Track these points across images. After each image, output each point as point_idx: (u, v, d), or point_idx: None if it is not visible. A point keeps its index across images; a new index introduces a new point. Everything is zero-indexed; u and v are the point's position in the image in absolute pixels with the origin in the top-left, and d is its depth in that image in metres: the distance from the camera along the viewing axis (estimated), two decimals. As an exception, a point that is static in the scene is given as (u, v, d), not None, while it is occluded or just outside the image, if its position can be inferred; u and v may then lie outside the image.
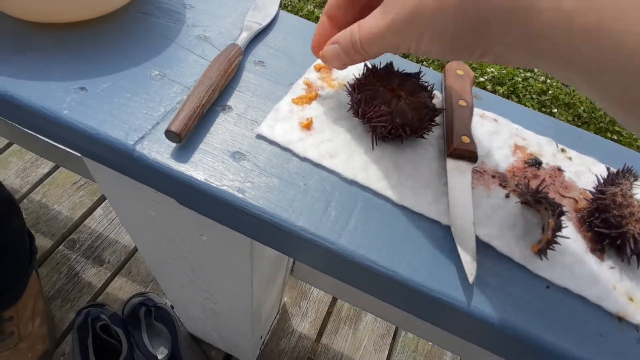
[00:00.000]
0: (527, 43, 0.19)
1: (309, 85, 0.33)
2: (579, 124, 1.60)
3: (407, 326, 0.91)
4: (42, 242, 1.04)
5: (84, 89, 0.30)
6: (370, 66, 0.32)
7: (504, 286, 0.26)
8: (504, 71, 1.72)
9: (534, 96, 1.64)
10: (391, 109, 0.28)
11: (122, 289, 1.01)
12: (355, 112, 0.30)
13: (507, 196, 0.30)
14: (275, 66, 0.35)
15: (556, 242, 0.26)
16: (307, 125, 0.30)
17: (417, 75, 0.32)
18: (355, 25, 0.26)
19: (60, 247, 1.05)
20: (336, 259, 0.26)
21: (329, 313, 1.04)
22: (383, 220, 0.27)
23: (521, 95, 1.66)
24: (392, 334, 1.03)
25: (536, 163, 0.33)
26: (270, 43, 0.37)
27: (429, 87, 0.32)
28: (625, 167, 0.30)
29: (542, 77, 1.70)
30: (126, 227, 0.48)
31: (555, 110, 1.61)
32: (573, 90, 1.64)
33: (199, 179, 0.27)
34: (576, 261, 0.27)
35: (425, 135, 0.30)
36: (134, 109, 0.30)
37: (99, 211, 1.11)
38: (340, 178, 0.28)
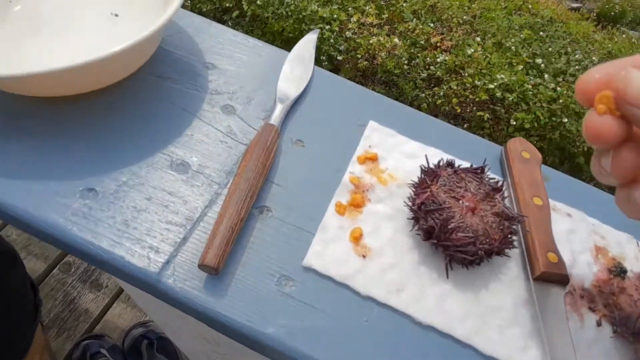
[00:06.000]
0: None
1: (356, 184, 0.28)
2: (589, 134, 1.57)
3: None
4: (35, 266, 0.98)
5: (93, 190, 0.25)
6: (426, 167, 0.27)
7: None
8: (514, 77, 1.66)
9: (544, 104, 1.60)
10: (473, 234, 0.23)
11: (122, 317, 0.96)
12: (426, 237, 0.25)
13: (598, 324, 0.25)
14: (316, 145, 0.30)
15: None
16: (357, 239, 0.25)
17: (482, 170, 0.27)
18: None
19: (54, 270, 0.99)
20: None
21: None
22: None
23: (531, 103, 1.62)
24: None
25: (621, 272, 0.28)
26: (307, 113, 0.32)
27: (498, 184, 0.27)
28: None
29: (552, 85, 1.66)
30: (152, 317, 0.43)
31: (565, 120, 1.57)
32: (583, 99, 1.60)
33: (239, 321, 0.22)
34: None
35: (507, 253, 0.25)
36: (154, 219, 0.25)
37: (95, 231, 1.05)
38: (414, 322, 0.23)
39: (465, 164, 0.28)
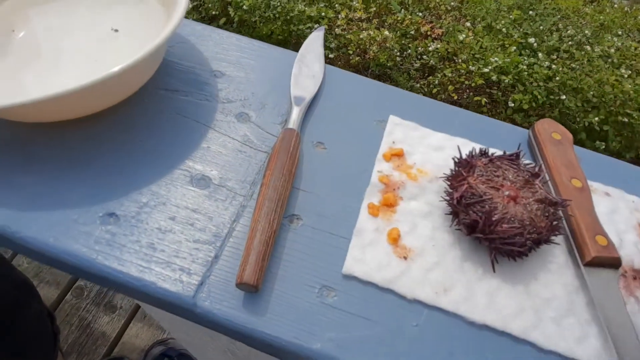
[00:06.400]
0: None
1: (386, 183, 0.27)
2: (589, 109, 1.56)
3: None
4: (48, 293, 0.97)
5: (114, 215, 0.24)
6: (459, 159, 0.26)
7: None
8: (508, 59, 1.65)
9: (541, 83, 1.59)
10: (519, 224, 0.22)
11: (139, 336, 0.94)
12: (469, 232, 0.24)
13: (655, 306, 0.24)
14: (338, 145, 0.29)
15: None
16: (395, 240, 0.24)
17: (517, 156, 0.26)
18: None
19: (67, 296, 0.98)
20: None
21: None
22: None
23: (527, 83, 1.61)
24: None
25: (669, 247, 0.27)
26: (324, 113, 0.31)
27: (536, 169, 0.26)
28: None
29: (547, 63, 1.65)
30: (173, 334, 0.42)
31: (563, 96, 1.56)
32: (580, 74, 1.59)
33: (285, 339, 0.21)
34: None
35: (554, 241, 0.24)
36: (181, 239, 0.23)
37: (104, 253, 1.04)
38: (466, 322, 0.22)
39: (494, 151, 0.27)
